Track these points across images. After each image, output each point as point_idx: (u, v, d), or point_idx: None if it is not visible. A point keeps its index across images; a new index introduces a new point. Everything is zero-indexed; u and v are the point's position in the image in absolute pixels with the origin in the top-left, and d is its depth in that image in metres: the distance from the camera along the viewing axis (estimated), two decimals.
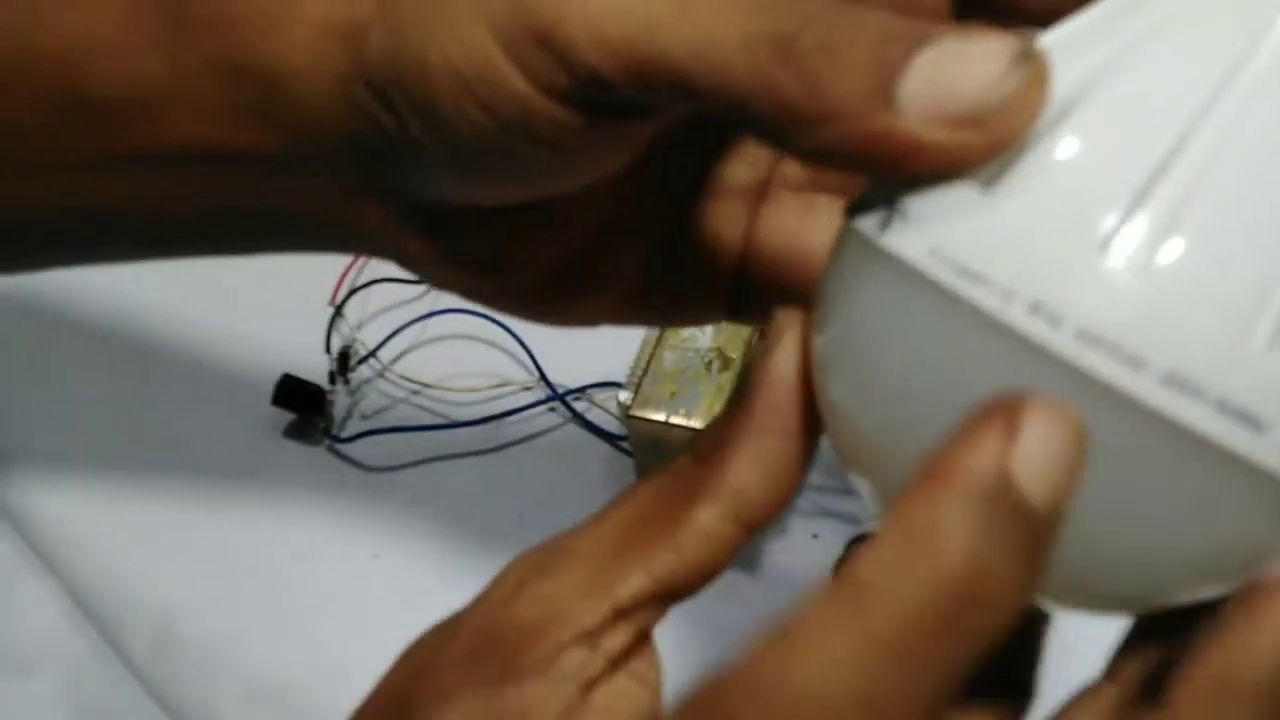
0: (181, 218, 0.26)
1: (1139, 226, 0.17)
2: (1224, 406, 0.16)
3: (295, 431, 0.47)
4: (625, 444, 0.45)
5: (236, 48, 0.23)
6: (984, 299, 0.17)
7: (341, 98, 0.22)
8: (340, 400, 0.47)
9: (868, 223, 0.19)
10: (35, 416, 0.48)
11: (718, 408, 0.40)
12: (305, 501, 0.45)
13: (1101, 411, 0.16)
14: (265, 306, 0.50)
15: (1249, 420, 0.16)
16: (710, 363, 0.41)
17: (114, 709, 0.42)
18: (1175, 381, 0.16)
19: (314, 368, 0.47)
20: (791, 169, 0.27)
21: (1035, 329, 0.17)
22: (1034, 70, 0.17)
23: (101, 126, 0.24)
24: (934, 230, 0.18)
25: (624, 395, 0.41)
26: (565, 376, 0.47)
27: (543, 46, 0.20)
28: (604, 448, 0.46)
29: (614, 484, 0.45)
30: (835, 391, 0.19)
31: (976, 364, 0.17)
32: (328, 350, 0.48)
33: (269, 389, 0.46)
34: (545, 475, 0.46)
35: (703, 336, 0.42)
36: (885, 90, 0.17)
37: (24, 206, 0.26)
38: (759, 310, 0.27)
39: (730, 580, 0.41)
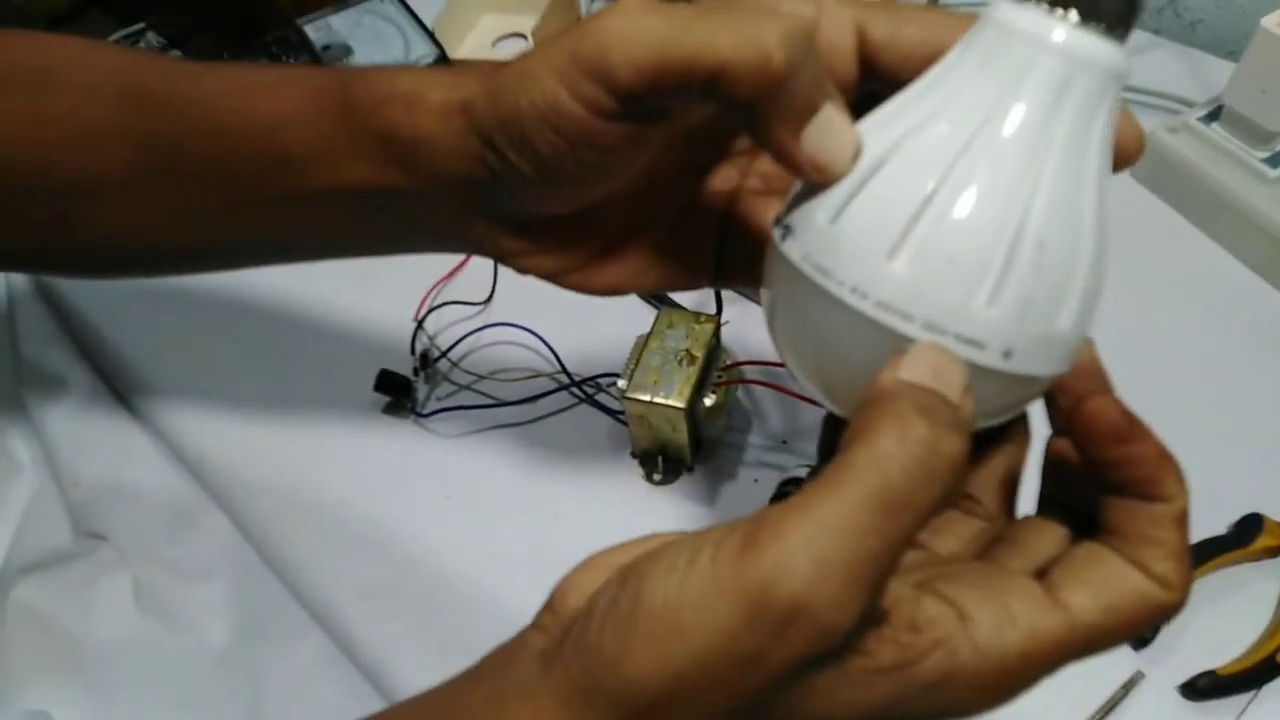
0: (348, 233, 0.30)
1: (908, 241, 0.22)
2: (959, 337, 0.22)
3: (390, 410, 0.53)
4: (622, 417, 0.50)
5: (387, 120, 0.27)
6: (830, 286, 0.23)
7: (460, 150, 0.26)
8: (422, 388, 0.53)
9: (777, 233, 0.25)
10: (209, 401, 0.54)
11: (687, 391, 0.45)
12: (398, 460, 0.52)
13: (888, 343, 0.22)
14: (368, 322, 0.56)
15: (975, 343, 0.22)
16: (681, 359, 0.45)
17: (270, 607, 0.48)
18: (930, 327, 0.22)
19: (403, 365, 0.53)
20: (755, 179, 0.31)
21: (854, 301, 0.22)
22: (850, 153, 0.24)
23: (296, 173, 0.28)
24: (806, 243, 0.24)
25: (621, 382, 0.46)
26: (580, 369, 0.52)
27: (594, 80, 0.24)
28: (607, 420, 0.52)
29: (614, 445, 0.51)
30: (777, 332, 0.26)
31: (833, 321, 0.23)
32: (413, 352, 0.53)
33: (371, 379, 0.52)
34: (565, 440, 0.51)
35: (676, 340, 0.46)
36: (801, 129, 0.23)
37: (244, 231, 0.30)
38: (731, 277, 0.32)
39: (686, 513, 0.48)
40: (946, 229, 0.22)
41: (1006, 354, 0.22)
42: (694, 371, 0.46)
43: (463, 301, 0.56)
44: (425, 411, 0.52)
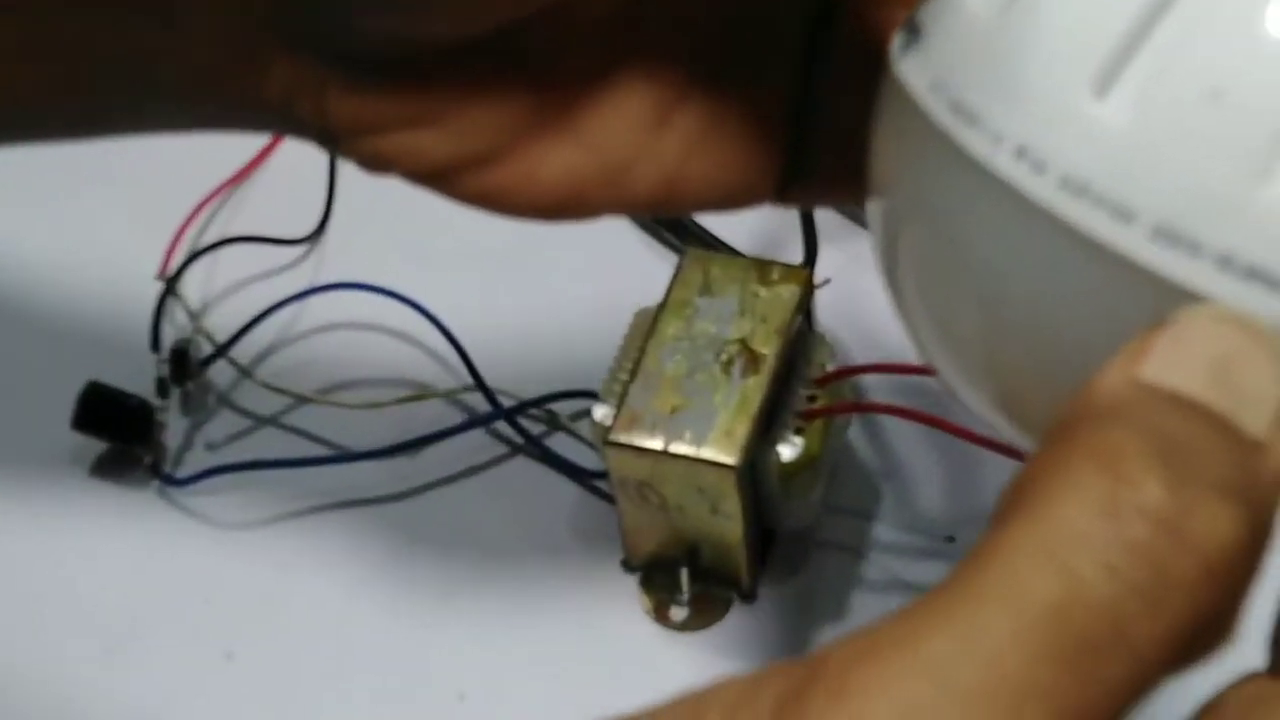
0: (30, 84, 0.29)
1: (1138, 57, 0.21)
2: (1228, 262, 0.21)
3: (108, 468, 0.48)
4: (603, 484, 0.45)
5: None
6: (973, 142, 0.22)
7: None
8: (176, 422, 0.48)
9: (897, 40, 0.25)
10: None
11: (741, 430, 0.40)
12: (124, 573, 0.46)
13: (1089, 266, 0.22)
14: (62, 279, 0.52)
15: (1260, 276, 0.21)
16: (730, 361, 0.42)
17: None
18: (1168, 234, 0.21)
19: (135, 372, 0.48)
20: None
21: (1018, 175, 0.22)
22: None
23: None
24: (940, 59, 0.24)
25: (600, 411, 0.41)
26: (513, 383, 0.47)
27: None
28: (572, 491, 0.47)
29: (585, 544, 0.46)
30: (897, 263, 0.26)
31: (970, 209, 0.23)
32: (155, 347, 0.48)
33: (68, 405, 0.46)
34: (483, 531, 0.46)
35: (719, 319, 0.43)
36: None
37: None
38: (827, 176, 0.32)
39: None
40: (1213, 33, 0.21)
41: None
42: (758, 387, 0.42)
43: (263, 238, 0.52)
44: (183, 475, 0.47)
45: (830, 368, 0.44)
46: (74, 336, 0.51)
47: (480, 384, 0.47)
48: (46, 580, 0.46)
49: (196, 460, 0.48)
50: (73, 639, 0.45)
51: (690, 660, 0.44)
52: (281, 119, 0.30)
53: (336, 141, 0.30)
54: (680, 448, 0.40)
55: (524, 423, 0.47)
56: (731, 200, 0.32)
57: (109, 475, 0.48)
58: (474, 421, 0.47)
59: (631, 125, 0.31)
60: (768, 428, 0.41)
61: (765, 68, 0.32)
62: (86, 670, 0.44)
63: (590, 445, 0.45)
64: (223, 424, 0.49)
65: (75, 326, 0.51)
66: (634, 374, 0.42)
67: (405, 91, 0.29)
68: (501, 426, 0.47)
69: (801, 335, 0.43)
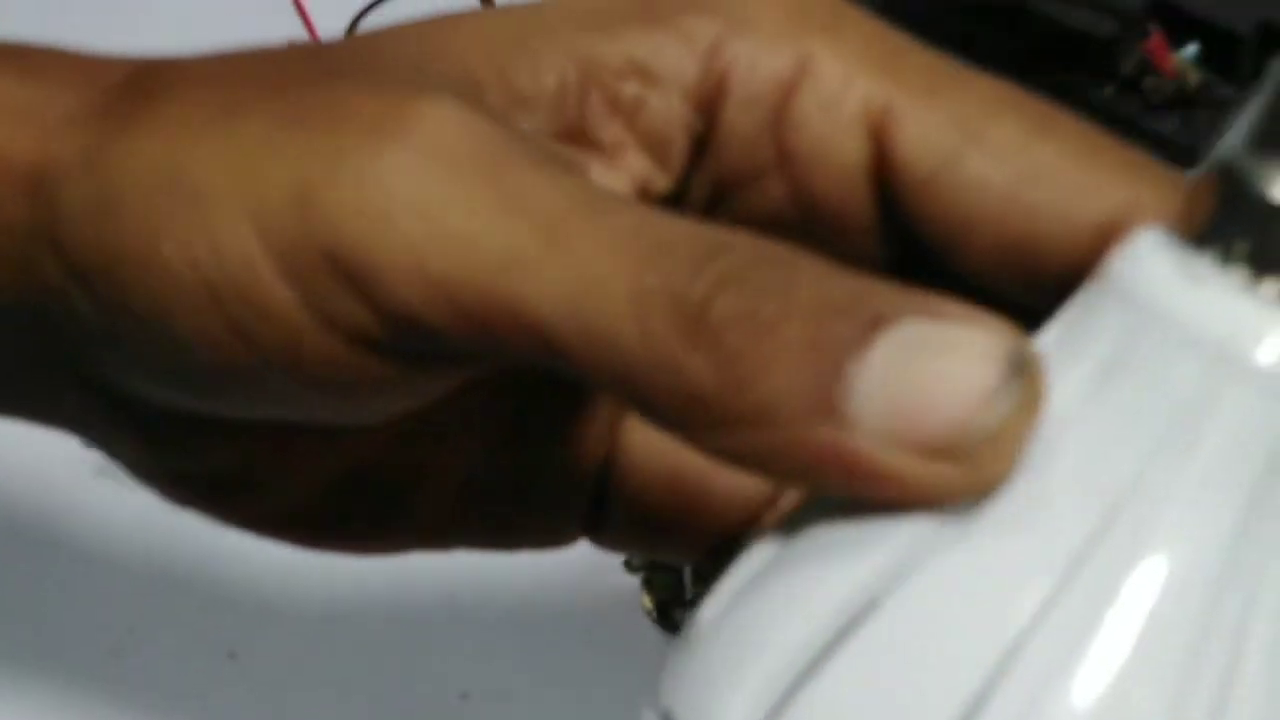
0: None
1: None
2: None
3: (111, 468, 0.41)
4: None
5: None
6: None
7: (14, 253, 0.24)
8: None
9: None
10: None
11: None
12: (126, 572, 0.46)
13: None
14: None
15: None
16: None
17: None
18: None
19: None
20: None
21: None
22: (1030, 384, 0.19)
23: None
24: None
25: None
26: None
27: (337, 274, 0.22)
28: None
29: (587, 544, 0.42)
30: None
31: None
32: None
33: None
34: None
35: None
36: (831, 390, 0.19)
37: None
38: (629, 533, 0.31)
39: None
40: None
41: None
42: None
43: None
44: None
45: None
46: None
47: None
48: (49, 579, 0.46)
49: None
50: (75, 639, 0.45)
51: None
52: (66, 425, 0.29)
53: (115, 458, 0.29)
54: None
55: None
56: (551, 546, 0.34)
57: (111, 475, 0.43)
58: None
59: (422, 533, 0.32)
60: None
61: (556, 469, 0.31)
62: (89, 670, 0.44)
63: None
64: None
65: None
66: None
67: (179, 439, 0.27)
68: None
69: None
